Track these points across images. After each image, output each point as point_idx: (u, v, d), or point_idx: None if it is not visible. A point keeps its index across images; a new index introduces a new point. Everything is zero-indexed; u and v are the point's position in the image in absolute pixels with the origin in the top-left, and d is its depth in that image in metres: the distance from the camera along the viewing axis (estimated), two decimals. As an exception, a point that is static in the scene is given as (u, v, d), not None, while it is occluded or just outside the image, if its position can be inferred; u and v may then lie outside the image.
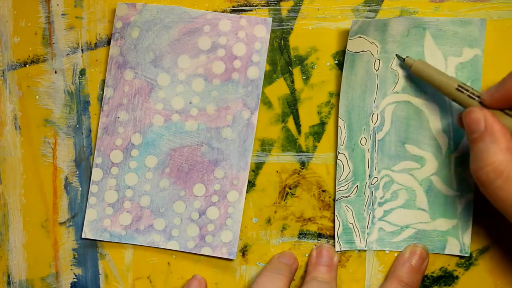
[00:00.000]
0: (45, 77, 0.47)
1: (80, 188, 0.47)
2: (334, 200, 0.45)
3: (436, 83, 0.40)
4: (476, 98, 0.39)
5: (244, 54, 0.45)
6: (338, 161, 0.44)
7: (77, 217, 0.47)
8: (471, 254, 0.44)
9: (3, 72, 0.47)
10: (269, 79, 0.45)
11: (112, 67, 0.46)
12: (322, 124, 0.45)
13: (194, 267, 0.46)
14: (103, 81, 0.46)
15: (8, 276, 0.47)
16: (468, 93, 0.39)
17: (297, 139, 0.45)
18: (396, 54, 0.43)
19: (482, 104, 0.39)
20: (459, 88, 0.39)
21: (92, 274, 0.47)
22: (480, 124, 0.37)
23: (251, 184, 0.46)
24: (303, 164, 0.45)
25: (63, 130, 0.47)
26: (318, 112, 0.45)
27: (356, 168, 0.44)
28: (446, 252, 0.44)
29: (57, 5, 0.46)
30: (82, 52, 0.47)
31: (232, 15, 0.45)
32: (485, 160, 0.37)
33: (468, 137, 0.38)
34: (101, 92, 0.46)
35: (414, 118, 0.44)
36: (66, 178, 0.47)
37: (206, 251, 0.45)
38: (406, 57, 0.42)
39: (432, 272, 0.45)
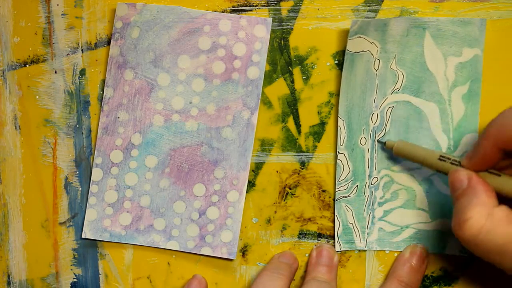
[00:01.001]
0: (45, 77, 0.47)
1: (80, 188, 0.47)
2: (334, 200, 0.45)
3: (419, 158, 0.41)
4: (458, 164, 0.40)
5: (244, 54, 0.45)
6: (337, 161, 0.44)
7: (77, 217, 0.47)
8: (470, 254, 0.44)
9: (3, 72, 0.47)
10: (269, 79, 0.45)
11: (112, 67, 0.46)
12: (322, 124, 0.45)
13: (194, 267, 0.46)
14: (103, 81, 0.46)
15: (8, 276, 0.47)
16: (450, 160, 0.40)
17: (297, 139, 0.45)
18: (377, 140, 0.44)
19: None
20: (441, 158, 0.40)
21: (92, 274, 0.47)
22: (463, 182, 0.38)
23: (251, 184, 0.46)
24: (303, 164, 0.45)
25: (63, 130, 0.47)
26: (318, 112, 0.45)
27: (356, 168, 0.44)
28: (446, 252, 0.44)
29: (57, 5, 0.46)
30: (82, 52, 0.47)
31: (232, 15, 0.45)
32: (465, 214, 0.36)
33: (452, 196, 0.38)
34: (101, 92, 0.46)
35: (414, 118, 0.44)
36: (66, 178, 0.47)
37: (206, 251, 0.45)
38: (387, 140, 0.43)
39: (432, 272, 0.45)
